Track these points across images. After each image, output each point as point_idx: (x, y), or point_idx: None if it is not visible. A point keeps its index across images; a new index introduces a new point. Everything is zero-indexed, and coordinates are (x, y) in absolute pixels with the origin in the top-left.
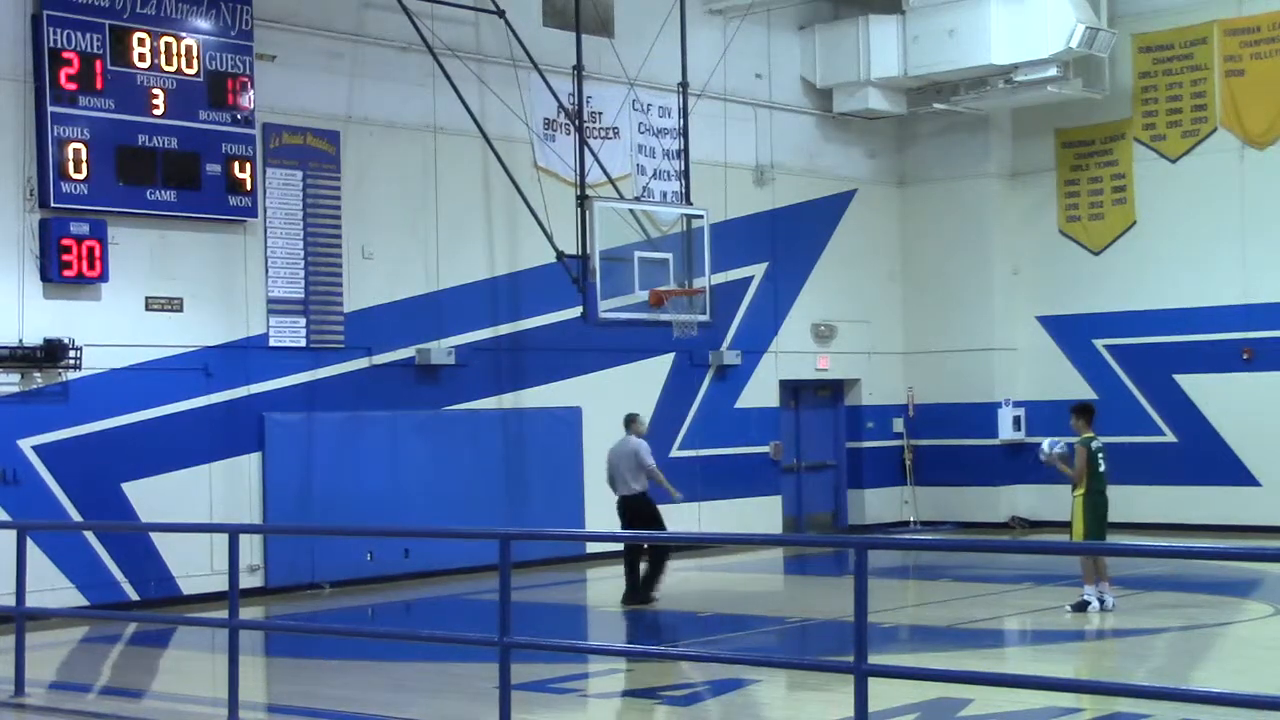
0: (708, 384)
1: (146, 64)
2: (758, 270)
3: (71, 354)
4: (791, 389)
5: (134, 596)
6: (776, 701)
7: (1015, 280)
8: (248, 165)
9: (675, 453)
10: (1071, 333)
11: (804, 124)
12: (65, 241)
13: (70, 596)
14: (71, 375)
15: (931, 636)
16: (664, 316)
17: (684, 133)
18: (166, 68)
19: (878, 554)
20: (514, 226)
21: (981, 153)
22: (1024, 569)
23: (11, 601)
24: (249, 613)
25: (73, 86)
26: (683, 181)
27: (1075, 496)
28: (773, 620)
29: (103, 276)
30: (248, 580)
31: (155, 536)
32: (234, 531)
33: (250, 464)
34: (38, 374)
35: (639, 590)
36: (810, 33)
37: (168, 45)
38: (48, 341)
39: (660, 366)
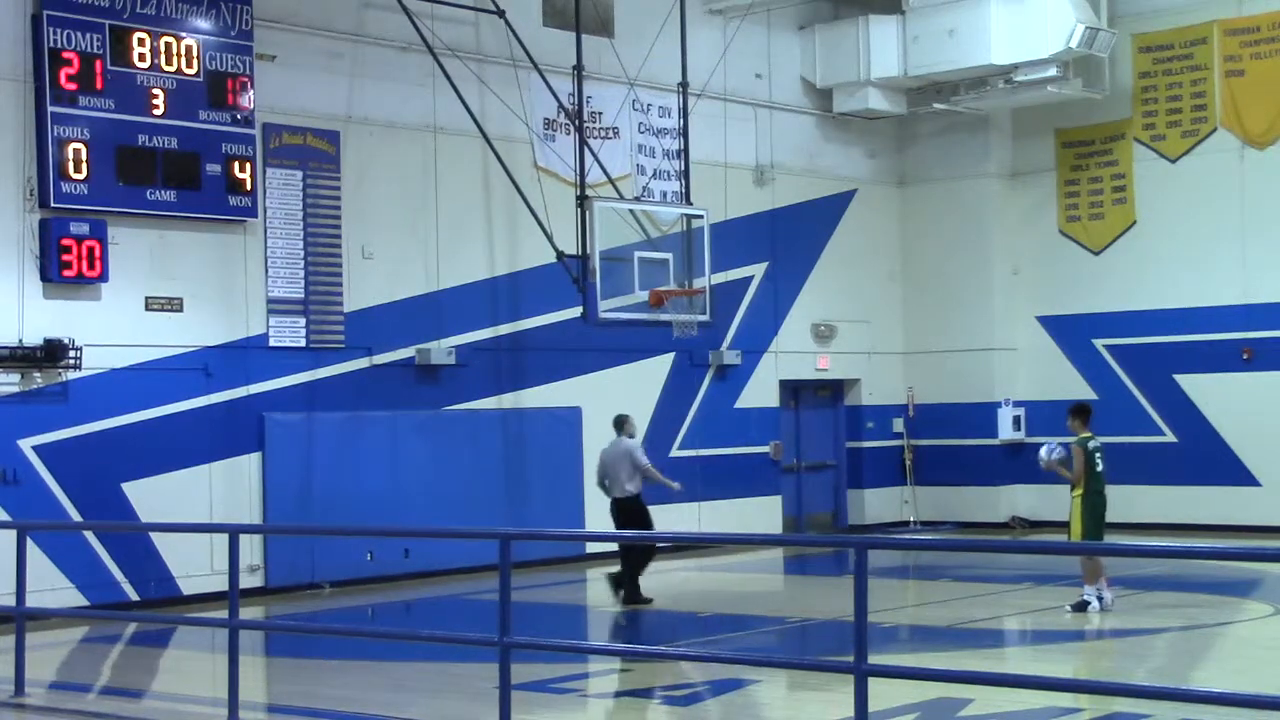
0: (708, 384)
1: (146, 64)
2: (758, 270)
3: (71, 354)
4: (791, 389)
5: (134, 596)
6: (776, 701)
7: (1015, 280)
8: (248, 165)
9: (675, 453)
10: (1071, 333)
11: (804, 124)
12: (65, 241)
13: (70, 596)
14: (71, 375)
15: (931, 636)
16: (664, 316)
17: (684, 133)
18: (166, 68)
19: (878, 554)
20: (514, 226)
21: (981, 153)
22: (1024, 569)
23: (11, 601)
24: (249, 613)
25: (73, 86)
26: (683, 181)
27: (1074, 497)
28: (773, 620)
29: (103, 276)
30: (248, 580)
31: (155, 536)
32: (234, 531)
33: (250, 464)
34: (38, 374)
35: (633, 591)
36: (810, 33)
37: (168, 45)
38: (48, 341)
39: (660, 366)
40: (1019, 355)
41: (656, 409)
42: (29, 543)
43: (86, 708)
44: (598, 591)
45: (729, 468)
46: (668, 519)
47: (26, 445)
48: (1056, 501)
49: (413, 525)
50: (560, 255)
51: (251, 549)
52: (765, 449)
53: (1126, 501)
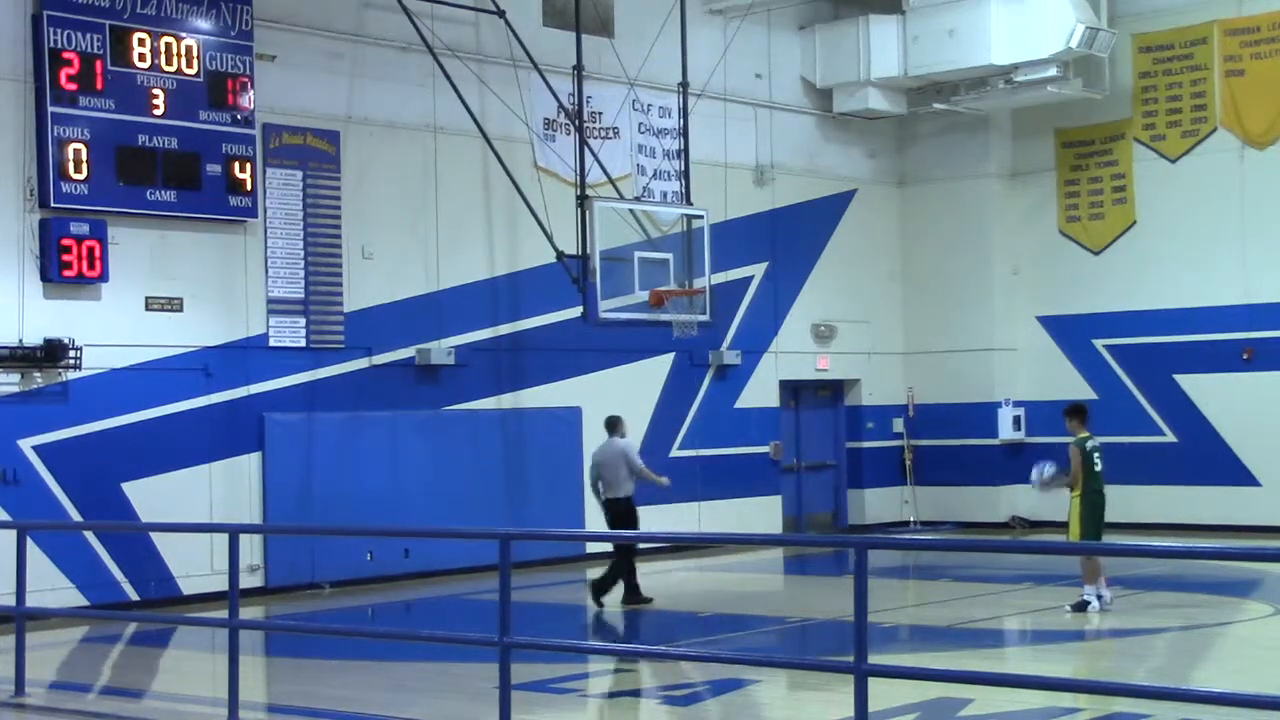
0: (708, 384)
1: (146, 64)
2: (758, 270)
3: (71, 354)
4: (791, 389)
5: (134, 596)
6: (776, 701)
7: (1015, 280)
8: (248, 165)
9: (675, 453)
10: (1071, 333)
11: (804, 124)
12: (65, 241)
13: (70, 596)
14: (71, 375)
15: (931, 636)
16: (664, 316)
17: (684, 133)
18: (166, 68)
19: (878, 554)
20: (514, 226)
21: (981, 153)
22: (1024, 569)
23: (11, 601)
24: (249, 613)
25: (73, 86)
26: (683, 181)
27: (1073, 497)
28: (773, 620)
29: (103, 276)
30: (248, 580)
31: (155, 536)
32: (234, 531)
33: (250, 464)
34: (38, 374)
35: (633, 591)
36: (810, 33)
37: (168, 45)
38: (48, 341)
39: (660, 366)
40: (1019, 355)
41: (656, 409)
42: (29, 543)
43: (86, 708)
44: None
45: (729, 468)
46: (668, 519)
47: (26, 445)
48: (1056, 501)
49: (413, 525)
50: (560, 255)
51: (251, 549)
52: (765, 449)
53: (1126, 501)
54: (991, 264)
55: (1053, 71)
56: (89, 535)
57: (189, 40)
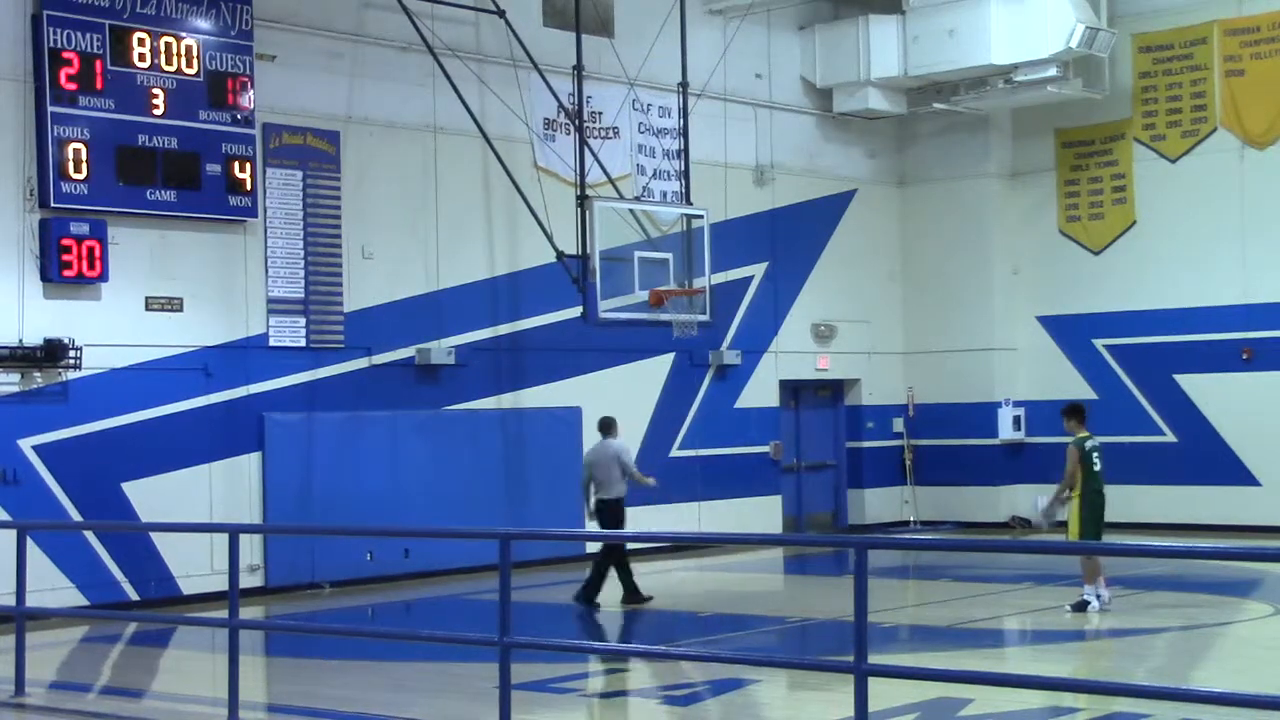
0: (708, 384)
1: (146, 64)
2: (758, 270)
3: (71, 354)
4: (791, 389)
5: (134, 596)
6: (776, 701)
7: (1015, 280)
8: (248, 165)
9: (675, 453)
10: (1071, 333)
11: (804, 124)
12: (65, 241)
13: (70, 596)
14: (71, 375)
15: (931, 636)
16: (664, 316)
17: (684, 133)
18: (166, 68)
19: (878, 554)
20: (514, 226)
21: (981, 153)
22: (1024, 569)
23: (11, 601)
24: (249, 613)
25: (73, 86)
26: (683, 181)
27: (1073, 496)
28: (773, 620)
29: (103, 276)
30: (248, 580)
31: (155, 536)
32: (234, 531)
33: (250, 464)
34: (38, 374)
35: (629, 597)
36: (810, 33)
37: (168, 45)
38: (48, 341)
39: (660, 366)
40: (1019, 355)
41: (656, 409)
42: (29, 543)
43: (86, 708)
44: (609, 593)
45: (729, 468)
46: (667, 519)
47: (26, 445)
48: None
49: (413, 525)
50: (560, 255)
51: (251, 549)
52: (765, 449)
53: (1126, 501)
54: (991, 264)
55: (1053, 71)
56: (89, 535)
57: (189, 40)
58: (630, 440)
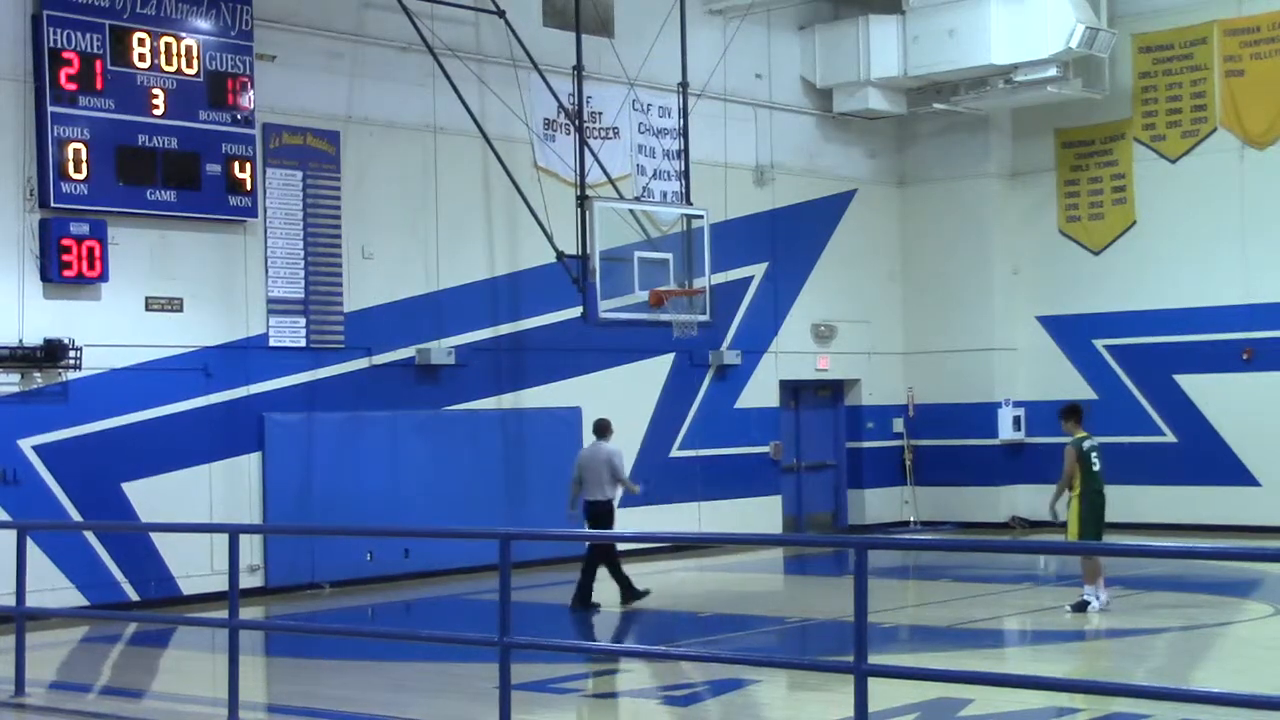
0: (708, 384)
1: (146, 64)
2: (758, 270)
3: (71, 354)
4: (791, 389)
5: (134, 596)
6: (776, 701)
7: (1015, 280)
8: (248, 165)
9: (675, 453)
10: (1071, 333)
11: (804, 124)
12: (65, 241)
13: (70, 596)
14: (71, 375)
15: (931, 636)
16: (664, 316)
17: (684, 133)
18: (166, 68)
19: (878, 554)
20: (514, 226)
21: (981, 153)
22: (1024, 569)
23: (11, 601)
24: (249, 613)
25: (73, 86)
26: (683, 181)
27: (1072, 496)
28: (773, 620)
29: (103, 276)
30: (248, 580)
31: (155, 536)
32: (234, 531)
33: (250, 464)
34: (38, 374)
35: (626, 595)
36: (810, 33)
37: (168, 45)
38: (48, 341)
39: (660, 366)
40: (1019, 355)
41: (656, 409)
42: (29, 543)
43: (86, 708)
44: (598, 592)
45: (729, 468)
46: (668, 519)
47: (26, 445)
48: (1059, 503)
49: (413, 525)
50: (560, 255)
51: (251, 549)
52: (765, 449)
53: (1126, 501)
54: (991, 264)
55: (1053, 71)
56: (89, 535)
57: (189, 40)
58: (630, 441)
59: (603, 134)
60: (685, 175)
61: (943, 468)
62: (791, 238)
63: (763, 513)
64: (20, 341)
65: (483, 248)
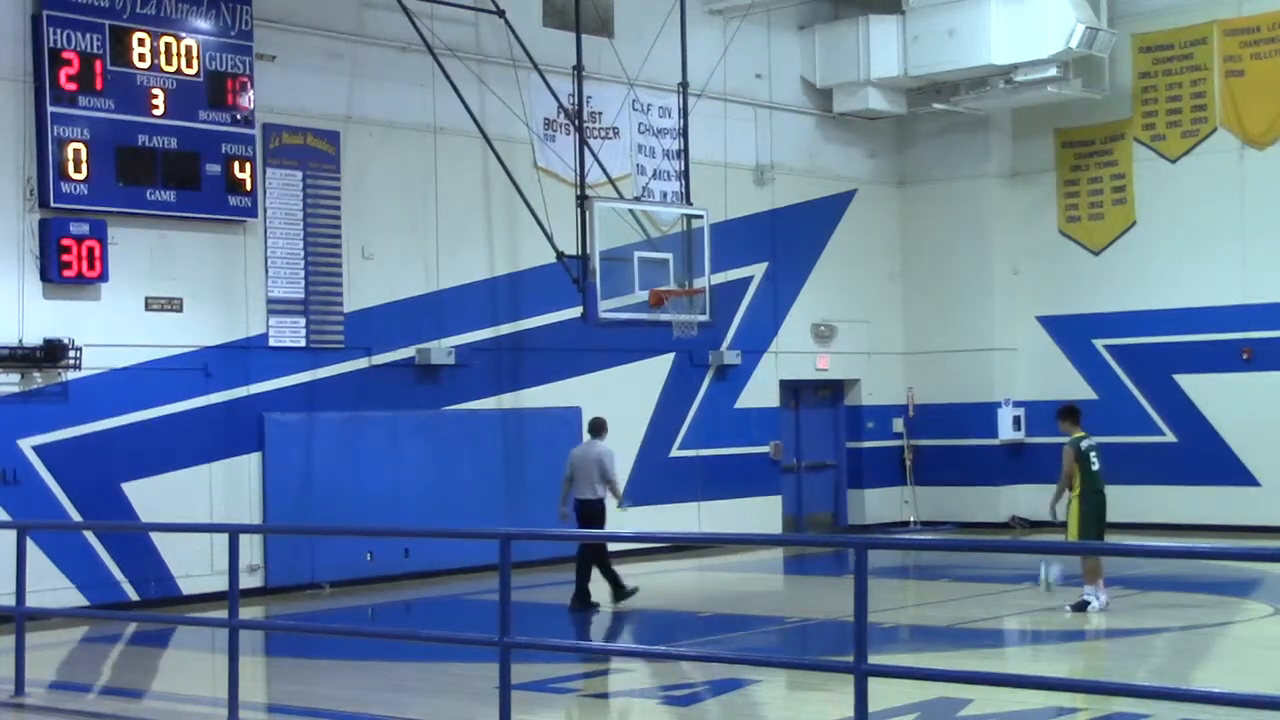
0: (708, 384)
1: (146, 64)
2: (758, 270)
3: (71, 354)
4: (791, 389)
5: (134, 596)
6: (776, 701)
7: (1015, 280)
8: (248, 165)
9: (675, 452)
10: (1071, 333)
11: (804, 124)
12: (65, 241)
13: (70, 596)
14: (71, 375)
15: (931, 636)
16: (664, 316)
17: (684, 133)
18: (166, 68)
19: (878, 554)
20: (514, 226)
21: (981, 153)
22: (1024, 569)
23: (11, 601)
24: (249, 613)
25: (73, 86)
26: (683, 181)
27: (1072, 497)
28: (773, 620)
29: (103, 276)
30: (248, 580)
31: (155, 536)
32: (234, 531)
33: (250, 464)
34: (38, 374)
35: (614, 593)
36: (810, 33)
37: (168, 45)
38: (48, 341)
39: (660, 366)
40: (1019, 355)
41: (656, 409)
42: (29, 543)
43: (86, 708)
44: (597, 592)
45: (729, 468)
46: (667, 519)
47: (26, 445)
48: (1060, 503)
49: (413, 525)
50: (560, 255)
51: (251, 549)
52: (765, 449)
53: (1126, 501)
54: (991, 264)
55: (1053, 71)
56: (89, 535)
57: (189, 40)
58: (630, 440)
59: (603, 134)
60: (685, 175)
61: (943, 468)
62: (791, 238)
63: (763, 513)
64: (20, 341)
65: (483, 248)
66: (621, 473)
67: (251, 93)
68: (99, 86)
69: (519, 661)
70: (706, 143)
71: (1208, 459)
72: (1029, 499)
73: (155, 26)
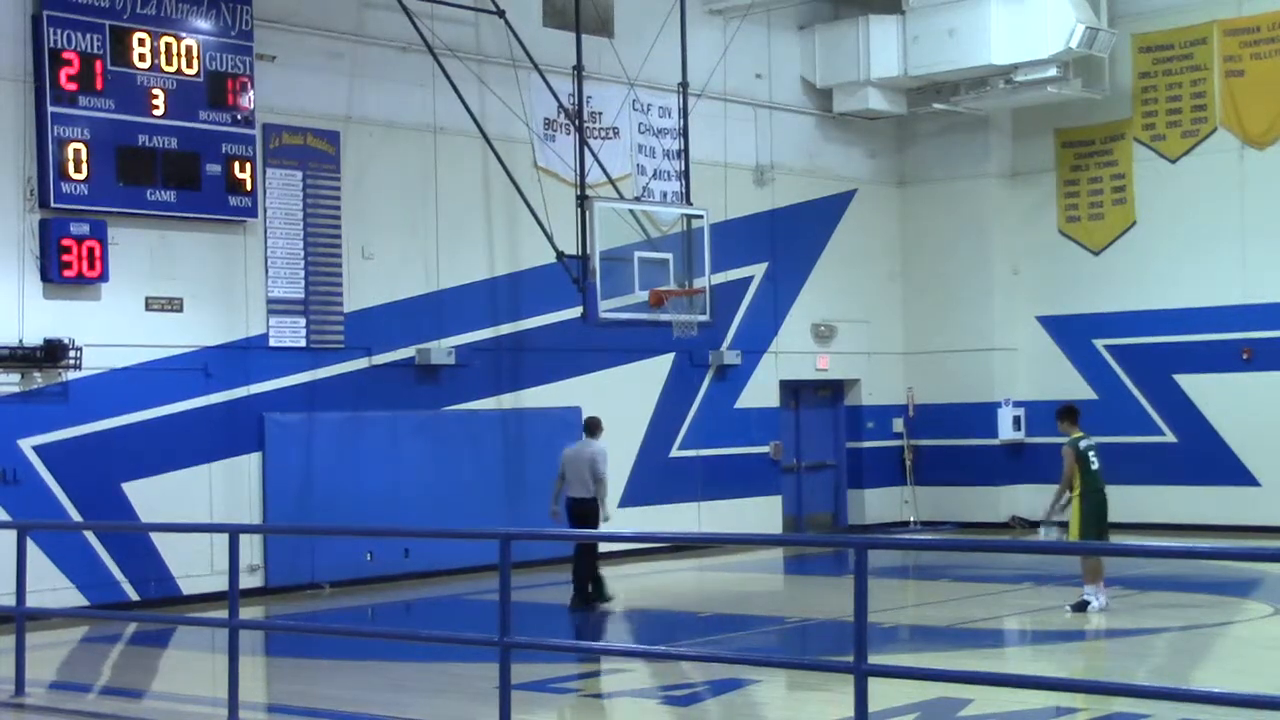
0: (708, 384)
1: (146, 64)
2: (758, 270)
3: (71, 354)
4: (791, 389)
5: (134, 596)
6: (776, 701)
7: (1015, 280)
8: (248, 165)
9: (675, 453)
10: (1071, 333)
11: (804, 124)
12: (65, 241)
13: (70, 596)
14: (71, 375)
15: (931, 636)
16: (664, 316)
17: (684, 133)
18: (166, 68)
19: (878, 554)
20: (514, 226)
21: (981, 153)
22: (1024, 569)
23: (11, 601)
24: (249, 613)
25: (73, 86)
26: (683, 181)
27: (1072, 497)
28: (773, 620)
29: (103, 276)
30: (248, 580)
31: (155, 536)
32: (234, 531)
33: (250, 464)
34: (38, 374)
35: (594, 593)
36: (810, 33)
37: (168, 45)
38: (48, 341)
39: (660, 366)
40: (1019, 355)
41: (656, 409)
42: (29, 543)
43: (86, 708)
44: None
45: (729, 468)
46: (668, 519)
47: (26, 445)
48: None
49: (413, 525)
50: (560, 255)
51: (251, 549)
52: (765, 449)
53: (1126, 501)
54: (991, 264)
55: (1053, 71)
56: (89, 535)
57: (189, 40)
58: (630, 441)
59: (603, 134)
60: (685, 175)
61: (943, 468)
62: (791, 238)
63: (763, 513)
64: (20, 341)
65: (483, 248)
66: (620, 473)
67: (251, 93)
68: (99, 86)
69: (519, 661)
70: (706, 143)
71: (1208, 459)
72: (1029, 499)
73: (155, 27)
